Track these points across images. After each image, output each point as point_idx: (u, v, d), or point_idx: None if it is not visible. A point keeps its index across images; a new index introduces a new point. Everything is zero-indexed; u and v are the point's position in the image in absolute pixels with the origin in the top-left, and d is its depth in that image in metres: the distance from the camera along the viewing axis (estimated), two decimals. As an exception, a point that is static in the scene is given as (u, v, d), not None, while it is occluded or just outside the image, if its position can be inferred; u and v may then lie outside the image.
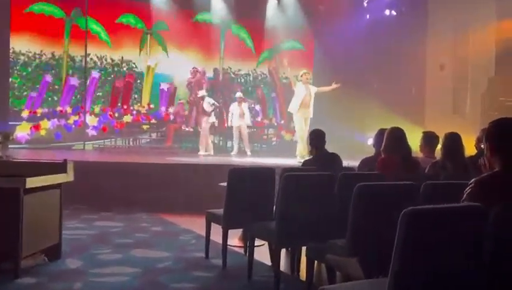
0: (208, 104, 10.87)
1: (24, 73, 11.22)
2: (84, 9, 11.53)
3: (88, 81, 11.73)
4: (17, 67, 11.16)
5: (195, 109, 12.20)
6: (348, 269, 2.91)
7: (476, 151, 4.73)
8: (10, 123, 10.78)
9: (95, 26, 11.72)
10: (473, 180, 2.31)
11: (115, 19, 11.91)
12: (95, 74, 11.90)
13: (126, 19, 12.04)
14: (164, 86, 12.52)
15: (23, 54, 11.16)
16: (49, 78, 11.43)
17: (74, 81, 11.68)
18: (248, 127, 11.50)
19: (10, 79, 11.06)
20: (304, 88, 9.46)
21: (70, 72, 11.64)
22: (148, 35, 12.31)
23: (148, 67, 12.37)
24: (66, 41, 11.53)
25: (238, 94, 11.31)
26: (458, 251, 1.87)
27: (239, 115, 10.97)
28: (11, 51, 11.01)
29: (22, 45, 11.12)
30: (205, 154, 10.62)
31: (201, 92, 11.21)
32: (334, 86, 10.01)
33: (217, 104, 11.29)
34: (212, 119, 10.94)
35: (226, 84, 13.11)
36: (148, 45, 12.33)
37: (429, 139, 4.81)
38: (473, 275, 1.90)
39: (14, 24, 11.00)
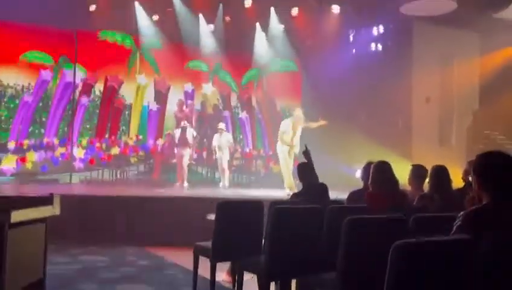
0: (190, 135, 10.87)
1: (11, 105, 11.17)
2: (74, 56, 11.61)
3: (75, 114, 11.72)
4: (5, 100, 11.12)
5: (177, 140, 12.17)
6: (338, 303, 2.87)
7: (463, 183, 4.77)
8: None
9: (82, 74, 11.82)
10: (462, 213, 2.32)
11: (104, 65, 12.00)
12: (84, 101, 11.87)
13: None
14: (153, 114, 12.56)
15: (11, 87, 11.14)
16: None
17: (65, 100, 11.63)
18: (236, 158, 11.47)
19: (-3, 111, 11.02)
20: (291, 126, 9.59)
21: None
22: (138, 53, 12.41)
23: (138, 87, 12.38)
24: (53, 82, 11.59)
25: (221, 125, 11.34)
26: (449, 282, 1.86)
27: (218, 147, 10.97)
28: (-2, 83, 11.01)
29: (9, 77, 11.11)
30: (183, 185, 10.54)
31: (183, 123, 11.15)
32: (321, 122, 10.17)
33: (197, 136, 11.30)
34: (189, 151, 10.91)
35: (214, 115, 13.18)
36: (137, 65, 12.39)
37: (418, 172, 4.83)
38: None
39: (2, 56, 11.01)
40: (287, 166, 9.50)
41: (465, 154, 11.27)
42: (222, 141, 10.96)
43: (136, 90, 12.45)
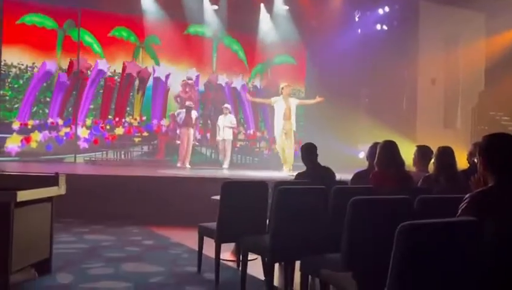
0: (193, 116, 10.87)
1: (16, 85, 11.17)
2: (77, 21, 11.54)
3: (82, 91, 11.71)
4: (9, 80, 11.10)
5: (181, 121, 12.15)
6: (343, 283, 2.89)
7: (468, 165, 4.76)
8: (0, 136, 10.70)
9: (87, 38, 11.74)
10: (467, 195, 2.31)
11: (108, 31, 11.95)
12: (89, 83, 11.85)
13: (119, 32, 12.08)
14: (156, 98, 12.53)
15: (15, 67, 11.12)
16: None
17: (64, 78, 11.60)
18: (239, 140, 11.48)
19: (1, 91, 10.99)
20: (282, 102, 9.54)
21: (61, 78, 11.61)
22: (141, 49, 12.33)
23: (140, 80, 12.39)
24: (58, 53, 11.50)
25: (226, 105, 11.31)
26: (454, 265, 1.86)
27: (223, 128, 10.96)
28: (2, 64, 10.96)
29: (13, 57, 11.08)
30: (184, 166, 10.57)
31: (188, 103, 11.16)
32: (318, 99, 10.10)
33: (199, 116, 11.30)
34: (193, 132, 10.92)
35: (217, 96, 13.14)
36: (140, 57, 12.34)
37: (423, 153, 4.82)
38: (468, 287, 1.90)
39: (6, 36, 10.97)
40: (283, 146, 9.50)
41: (470, 136, 11.25)
42: (226, 121, 10.96)
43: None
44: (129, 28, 12.18)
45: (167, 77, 12.60)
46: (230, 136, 11.09)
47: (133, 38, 12.23)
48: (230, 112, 11.29)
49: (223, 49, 13.20)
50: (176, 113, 11.61)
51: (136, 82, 12.33)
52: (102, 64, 11.96)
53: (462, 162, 4.72)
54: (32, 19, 11.19)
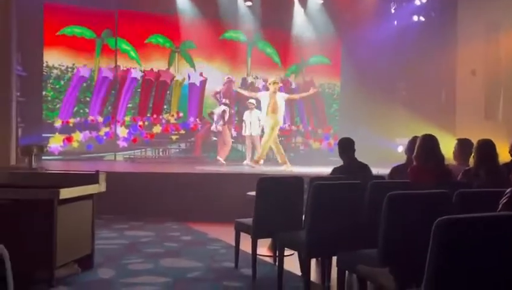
0: (229, 113, 10.96)
1: (57, 86, 11.51)
2: (114, 30, 11.83)
3: (121, 90, 11.96)
4: (50, 81, 11.45)
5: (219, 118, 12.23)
6: (380, 279, 2.86)
7: (511, 158, 4.61)
8: (43, 135, 11.06)
9: (124, 46, 11.99)
10: (508, 190, 2.25)
11: (144, 38, 12.15)
12: (129, 82, 12.08)
13: (155, 39, 12.29)
14: (192, 97, 12.67)
15: (56, 68, 11.46)
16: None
17: (107, 73, 11.86)
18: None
19: (43, 92, 11.35)
20: (268, 98, 9.78)
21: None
22: (177, 54, 12.50)
23: (176, 82, 12.56)
24: (97, 59, 11.80)
25: (251, 101, 11.26)
26: (492, 261, 1.82)
27: (249, 123, 10.89)
28: (44, 65, 11.31)
29: (54, 59, 11.41)
30: (222, 162, 10.67)
31: (225, 101, 11.23)
32: (312, 90, 10.52)
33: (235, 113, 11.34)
34: (255, 131, 10.95)
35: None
36: (176, 62, 12.51)
37: (464, 146, 4.70)
38: (510, 285, 1.85)
39: (47, 39, 11.30)
40: (266, 140, 9.77)
41: (513, 128, 10.87)
42: (252, 117, 10.97)
43: (175, 84, 12.59)
44: (165, 35, 12.34)
45: (201, 75, 12.71)
46: (258, 132, 11.12)
47: (168, 44, 12.41)
48: (256, 107, 11.31)
49: (257, 52, 13.26)
50: (213, 111, 11.74)
51: (173, 83, 12.50)
52: (138, 70, 12.18)
53: (504, 155, 4.57)
54: (72, 30, 11.49)
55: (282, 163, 9.83)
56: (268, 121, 9.71)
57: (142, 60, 12.16)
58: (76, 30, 11.53)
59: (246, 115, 11.06)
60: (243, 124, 11.12)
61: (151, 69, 12.31)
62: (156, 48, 12.31)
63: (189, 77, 12.64)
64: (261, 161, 9.84)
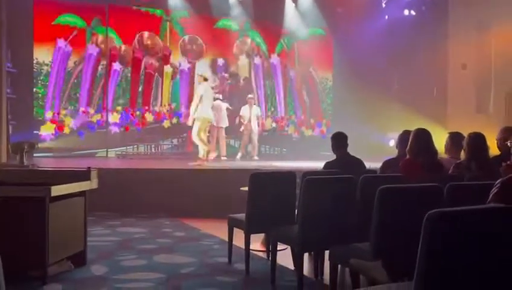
0: (224, 108, 10.91)
1: (47, 83, 11.41)
2: (104, 19, 11.76)
3: (109, 78, 11.90)
4: (41, 78, 11.36)
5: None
6: (372, 272, 2.88)
7: (499, 150, 4.64)
8: (35, 132, 10.99)
9: (112, 35, 11.92)
10: (498, 181, 2.27)
11: (134, 32, 12.08)
12: (116, 66, 12.02)
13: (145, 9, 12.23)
14: (184, 89, 12.64)
15: (46, 65, 11.37)
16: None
17: (93, 49, 11.79)
18: (265, 130, 11.53)
19: (34, 89, 11.27)
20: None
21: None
22: (168, 23, 12.41)
23: (166, 74, 12.52)
24: (87, 45, 11.74)
25: (250, 96, 11.29)
26: (484, 253, 1.83)
27: (249, 119, 10.95)
28: (34, 62, 11.22)
29: (44, 55, 11.32)
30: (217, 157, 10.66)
31: (217, 96, 11.19)
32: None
33: (230, 108, 11.31)
34: (224, 123, 10.96)
35: (245, 87, 13.16)
36: (168, 32, 12.42)
37: (455, 139, 4.73)
38: (500, 278, 1.86)
39: (37, 35, 11.20)
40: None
41: (504, 122, 10.94)
42: (252, 113, 10.96)
43: (165, 74, 12.53)
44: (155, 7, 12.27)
45: (193, 66, 12.67)
46: (257, 128, 11.12)
47: (159, 12, 12.31)
48: (255, 103, 11.30)
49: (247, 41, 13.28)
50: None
51: (164, 71, 12.45)
52: (125, 54, 12.12)
53: (494, 148, 4.61)
54: (66, 19, 11.40)
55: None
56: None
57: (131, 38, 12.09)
58: (70, 19, 11.43)
59: (246, 110, 11.01)
60: (239, 119, 11.06)
61: (141, 54, 12.21)
62: (146, 15, 12.17)
63: (179, 64, 12.58)
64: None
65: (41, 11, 11.23)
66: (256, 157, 10.95)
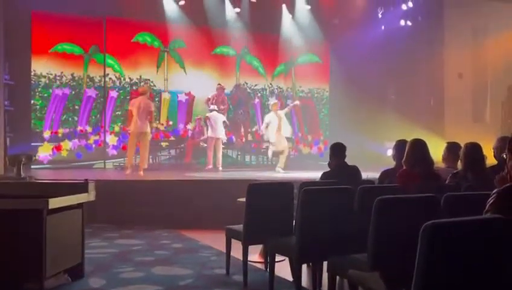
0: (221, 119, 10.90)
1: (45, 95, 11.43)
2: (102, 45, 11.81)
3: (107, 101, 11.91)
4: (39, 89, 11.37)
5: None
6: (370, 283, 2.87)
7: (496, 161, 4.65)
8: (32, 144, 10.97)
9: (110, 61, 11.97)
10: (495, 191, 2.27)
11: (131, 43, 12.11)
12: (114, 93, 12.06)
13: (142, 37, 12.23)
14: (182, 103, 12.65)
15: (44, 76, 11.39)
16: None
17: (92, 92, 11.83)
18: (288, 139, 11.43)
19: (32, 101, 11.27)
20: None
21: (90, 88, 11.85)
22: (166, 53, 12.47)
23: (164, 99, 12.59)
24: (85, 67, 11.77)
25: (272, 101, 11.05)
26: (481, 264, 1.84)
27: (277, 126, 10.43)
28: (32, 74, 11.23)
29: (42, 67, 11.34)
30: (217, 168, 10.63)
31: (213, 107, 11.15)
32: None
33: (227, 123, 11.28)
34: (221, 134, 10.94)
35: (243, 98, 13.19)
36: (165, 64, 12.47)
37: (453, 149, 4.74)
38: (498, 288, 1.86)
39: (35, 47, 11.23)
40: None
41: (501, 131, 10.99)
42: (280, 118, 10.57)
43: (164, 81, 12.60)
44: (153, 33, 12.30)
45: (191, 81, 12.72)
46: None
47: (157, 44, 12.37)
48: (281, 107, 11.35)
49: (244, 65, 13.37)
50: (202, 117, 11.72)
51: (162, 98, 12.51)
52: (124, 84, 12.19)
53: (491, 157, 4.63)
54: (63, 47, 11.46)
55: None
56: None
57: (129, 66, 12.09)
58: (67, 47, 11.49)
59: (272, 118, 10.55)
60: (265, 126, 10.70)
61: (140, 76, 12.25)
62: (143, 48, 12.23)
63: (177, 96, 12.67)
64: None
65: (39, 22, 11.26)
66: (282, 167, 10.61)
